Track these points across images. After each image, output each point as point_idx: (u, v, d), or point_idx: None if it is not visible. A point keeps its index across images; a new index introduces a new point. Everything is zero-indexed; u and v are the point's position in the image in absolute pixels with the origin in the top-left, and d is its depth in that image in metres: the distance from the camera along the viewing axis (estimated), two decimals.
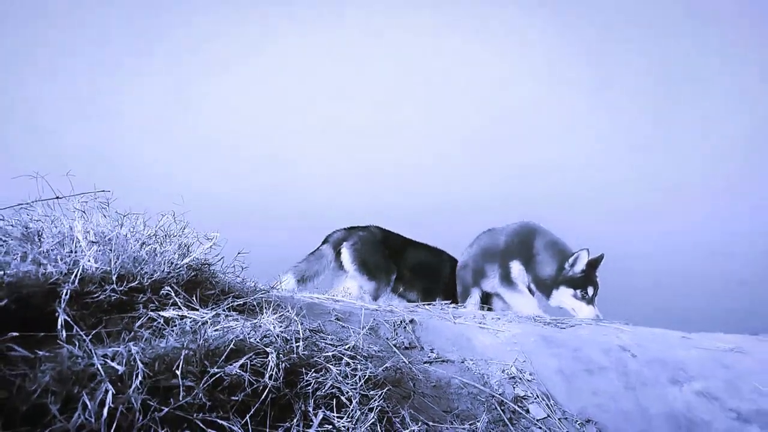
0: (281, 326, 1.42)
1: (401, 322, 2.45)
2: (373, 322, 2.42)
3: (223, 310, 1.51)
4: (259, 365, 1.32)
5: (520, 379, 2.21)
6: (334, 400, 1.39)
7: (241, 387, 1.23)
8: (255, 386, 1.26)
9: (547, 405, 2.08)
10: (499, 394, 2.04)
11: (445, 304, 3.15)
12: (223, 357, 1.23)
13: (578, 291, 3.70)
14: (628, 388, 2.33)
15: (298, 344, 1.40)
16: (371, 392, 1.41)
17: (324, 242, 4.31)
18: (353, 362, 1.47)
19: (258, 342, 1.30)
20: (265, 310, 1.61)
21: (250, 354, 1.23)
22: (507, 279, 3.89)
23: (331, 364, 1.44)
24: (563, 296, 3.77)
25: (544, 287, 3.81)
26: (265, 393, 1.24)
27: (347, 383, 1.38)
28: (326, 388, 1.37)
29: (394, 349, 2.15)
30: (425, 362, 2.14)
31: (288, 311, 1.70)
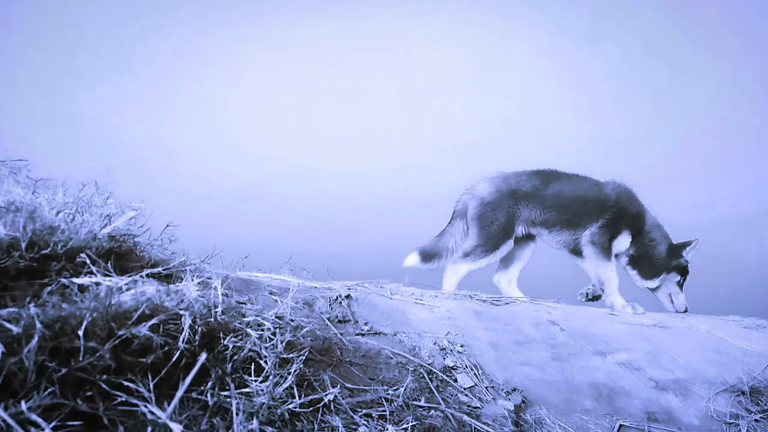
0: (200, 292, 1.40)
1: (337, 297, 2.46)
2: (309, 297, 2.42)
3: (141, 277, 1.47)
4: (173, 329, 1.30)
5: (451, 350, 2.25)
6: (253, 364, 1.38)
7: (151, 350, 1.20)
8: (167, 349, 1.24)
9: (475, 374, 2.13)
10: (429, 364, 2.07)
11: (384, 282, 3.16)
12: (133, 319, 1.20)
13: (681, 278, 3.76)
14: (555, 359, 2.41)
15: (216, 309, 1.38)
16: (290, 355, 1.40)
17: (451, 217, 3.99)
18: (273, 327, 1.46)
19: (173, 306, 1.28)
20: (186, 279, 1.58)
21: (161, 316, 1.21)
22: (606, 246, 3.73)
23: (252, 329, 1.43)
24: (670, 281, 3.77)
25: (653, 268, 3.75)
26: (176, 355, 1.22)
27: (266, 347, 1.38)
28: (244, 352, 1.36)
29: (327, 322, 2.16)
30: (357, 334, 2.16)
31: (212, 281, 1.67)
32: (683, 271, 3.75)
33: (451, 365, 2.15)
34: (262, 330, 1.45)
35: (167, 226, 2.07)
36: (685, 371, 2.55)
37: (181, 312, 1.27)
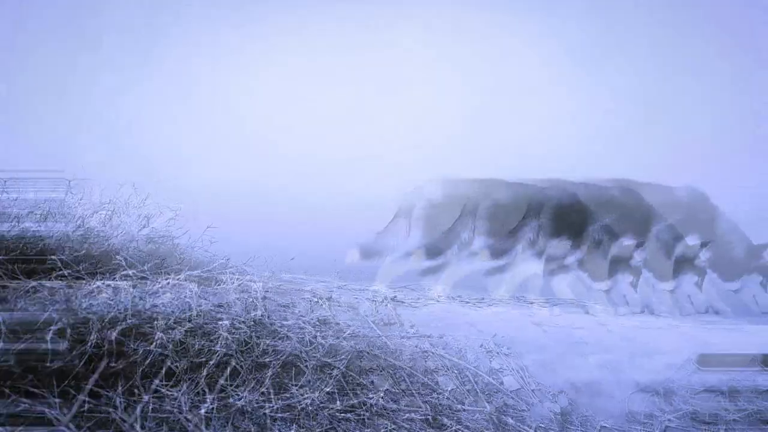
0: (239, 295, 1.41)
1: (383, 300, 2.45)
2: (353, 299, 2.42)
3: (178, 280, 1.49)
4: (210, 331, 1.31)
5: (497, 353, 2.21)
6: (293, 368, 1.38)
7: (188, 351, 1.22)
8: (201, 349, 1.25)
9: (521, 377, 2.08)
10: (474, 367, 2.03)
11: (428, 283, 3.13)
12: (170, 322, 1.22)
13: (764, 279, 3.70)
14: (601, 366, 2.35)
15: (255, 312, 1.39)
16: (329, 360, 1.40)
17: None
18: (314, 331, 1.46)
19: (212, 308, 1.29)
20: (228, 281, 1.60)
21: (201, 320, 1.22)
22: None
23: (293, 333, 1.43)
24: (752, 282, 3.69)
25: (734, 269, 3.72)
26: (216, 357, 1.23)
27: (306, 351, 1.37)
28: (285, 356, 1.36)
29: (372, 325, 2.15)
30: (402, 337, 2.14)
31: (253, 284, 1.69)
32: (765, 272, 3.62)
33: (497, 368, 2.10)
34: (303, 334, 1.45)
35: (207, 227, 2.10)
36: (667, 371, 2.46)
37: (221, 315, 1.28)
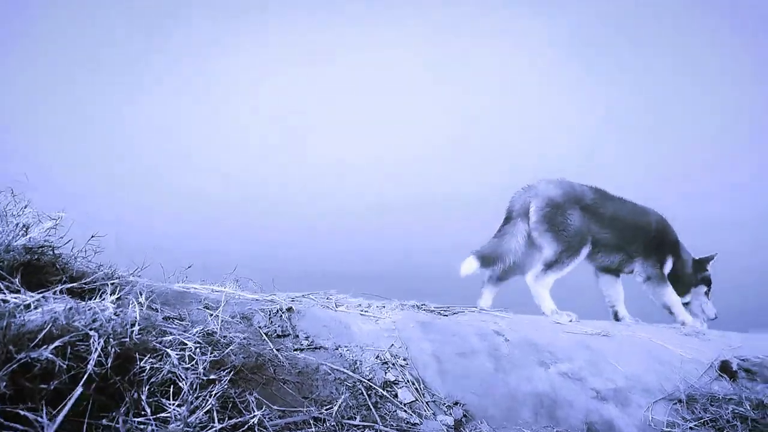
0: (116, 309, 1.31)
1: (278, 310, 2.38)
2: (248, 310, 2.34)
3: (55, 293, 1.37)
4: (83, 350, 1.21)
5: (393, 364, 2.21)
6: (173, 386, 1.30)
7: (54, 375, 1.12)
8: (74, 373, 1.15)
9: (416, 389, 2.10)
10: (368, 380, 2.03)
11: (330, 292, 3.10)
12: (36, 341, 1.11)
13: (707, 288, 4.02)
14: (499, 370, 2.41)
15: (133, 328, 1.30)
16: (212, 377, 1.33)
17: (508, 216, 3.72)
18: (195, 347, 1.39)
19: (83, 327, 1.19)
20: (105, 294, 1.49)
21: (66, 337, 1.12)
22: (660, 274, 3.93)
23: (172, 349, 1.35)
24: (700, 293, 4.02)
25: (684, 285, 3.99)
26: (83, 380, 1.13)
27: (186, 368, 1.30)
28: (163, 374, 1.29)
29: (264, 336, 2.09)
30: (296, 349, 2.09)
31: (136, 295, 1.58)
32: (708, 282, 4.03)
33: (392, 380, 2.10)
34: (184, 350, 1.38)
35: (92, 236, 1.97)
36: (625, 380, 2.59)
37: (90, 333, 1.18)
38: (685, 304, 4.01)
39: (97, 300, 1.41)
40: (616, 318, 3.98)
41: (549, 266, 3.52)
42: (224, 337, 1.70)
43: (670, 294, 3.88)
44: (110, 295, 1.50)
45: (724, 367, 2.90)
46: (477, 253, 3.54)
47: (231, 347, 1.54)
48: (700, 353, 3.08)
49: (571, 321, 3.43)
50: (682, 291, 3.98)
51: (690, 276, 4.02)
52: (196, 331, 1.50)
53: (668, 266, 3.94)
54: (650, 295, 3.93)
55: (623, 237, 3.78)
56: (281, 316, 2.34)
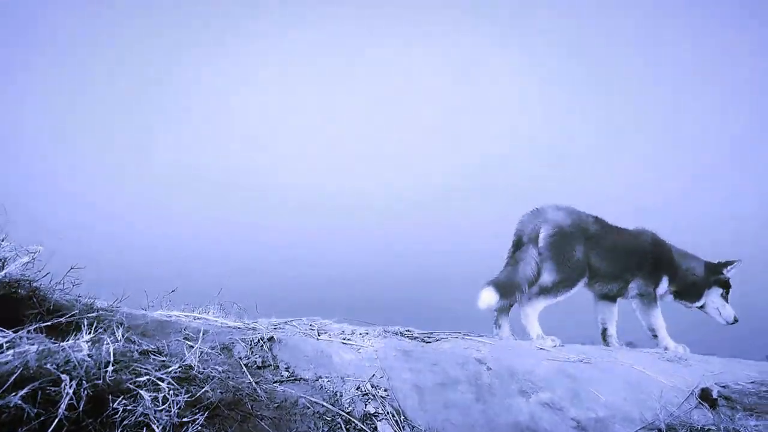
0: (90, 350, 1.31)
1: (259, 340, 2.38)
2: (228, 340, 2.33)
3: (29, 332, 1.37)
4: (55, 394, 1.21)
5: (374, 396, 2.21)
6: (145, 429, 1.30)
7: (22, 421, 1.11)
8: (44, 418, 1.15)
9: (396, 421, 2.10)
10: (348, 413, 2.02)
11: (314, 319, 3.09)
12: (5, 387, 1.11)
13: (724, 291, 4.01)
14: (479, 400, 2.41)
15: (106, 369, 1.30)
16: (186, 419, 1.33)
17: (518, 240, 3.74)
18: (168, 388, 1.39)
19: (55, 369, 1.19)
20: (83, 330, 1.49)
21: (37, 382, 1.12)
22: (653, 296, 3.98)
23: (146, 390, 1.35)
24: (714, 295, 4.02)
25: (695, 291, 4.03)
26: (53, 425, 1.13)
27: (160, 410, 1.30)
28: (136, 416, 1.28)
29: (243, 369, 2.08)
30: (276, 381, 2.09)
31: (113, 330, 1.58)
32: (724, 285, 4.03)
33: (372, 412, 2.10)
34: (158, 390, 1.37)
35: (71, 268, 1.96)
36: (605, 409, 2.60)
37: (62, 377, 1.18)
38: (700, 308, 4.08)
39: (72, 339, 1.40)
40: (604, 336, 4.01)
41: (543, 292, 3.54)
42: (202, 372, 1.69)
43: (657, 317, 3.91)
44: (88, 329, 1.50)
45: (705, 396, 2.91)
46: (494, 283, 3.53)
47: (207, 387, 1.53)
48: (680, 380, 3.10)
49: (555, 346, 3.44)
50: (693, 297, 4.05)
51: (700, 280, 4.03)
52: (172, 370, 1.50)
53: (663, 285, 3.98)
54: (638, 313, 3.97)
55: (621, 266, 3.83)
56: (262, 346, 2.34)
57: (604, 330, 4.02)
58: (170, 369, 1.49)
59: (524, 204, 3.83)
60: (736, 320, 4.02)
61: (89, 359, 1.28)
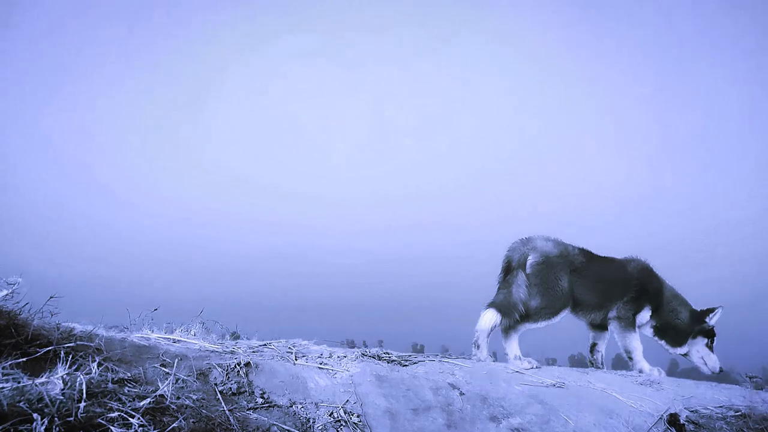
0: (63, 389, 1.36)
1: (236, 365, 2.43)
2: (205, 365, 2.38)
3: (4, 367, 1.42)
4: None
5: (346, 422, 2.27)
6: None
7: None
8: None
9: None
10: None
11: (293, 341, 3.14)
12: None
13: (708, 341, 4.05)
14: (450, 426, 2.47)
15: (79, 404, 1.35)
16: None
17: (507, 266, 3.86)
18: (140, 423, 1.44)
19: (27, 407, 1.24)
20: (59, 362, 1.54)
21: (7, 424, 1.17)
22: (631, 320, 4.02)
23: (117, 425, 1.40)
24: (699, 345, 4.06)
25: (679, 336, 4.07)
26: None
27: None
28: None
29: (218, 395, 2.13)
30: (249, 408, 2.14)
31: (90, 361, 1.63)
32: (708, 335, 4.07)
33: None
34: (129, 426, 1.43)
35: (51, 297, 2.02)
36: None
37: (35, 416, 1.23)
38: (684, 355, 4.15)
39: (47, 374, 1.45)
40: (593, 350, 4.11)
41: (527, 316, 3.64)
42: (175, 402, 1.74)
43: (633, 340, 3.99)
44: (65, 359, 1.55)
45: (672, 421, 2.99)
46: (495, 304, 3.65)
47: (179, 419, 1.58)
48: (651, 404, 3.18)
49: (531, 368, 3.52)
50: (675, 342, 4.11)
51: (685, 326, 4.08)
52: (143, 405, 1.55)
53: (645, 315, 4.04)
54: (615, 335, 4.06)
55: (604, 296, 3.93)
56: (238, 371, 2.39)
57: (594, 345, 4.12)
58: (142, 404, 1.54)
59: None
60: (721, 370, 4.09)
61: (62, 396, 1.33)
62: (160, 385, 1.96)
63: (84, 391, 1.41)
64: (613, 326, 4.05)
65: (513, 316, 3.61)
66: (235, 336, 3.86)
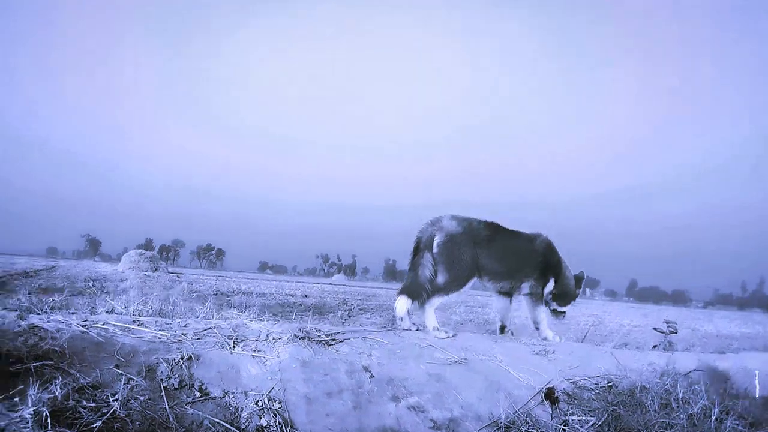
0: (34, 413, 1.84)
1: (180, 359, 2.93)
2: (153, 360, 2.88)
3: None
4: None
5: (269, 409, 2.83)
6: None
7: None
8: None
9: None
10: (243, 429, 2.64)
11: (237, 325, 3.63)
12: None
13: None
14: (357, 407, 3.06)
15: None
16: None
17: (416, 247, 4.37)
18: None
19: None
20: (31, 385, 2.00)
21: None
22: (540, 294, 4.73)
23: None
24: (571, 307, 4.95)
25: (568, 298, 4.86)
26: None
27: None
28: None
29: (162, 393, 2.65)
30: (188, 403, 2.67)
31: (55, 384, 2.10)
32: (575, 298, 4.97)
33: (264, 425, 2.72)
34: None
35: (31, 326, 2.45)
36: (461, 410, 3.29)
37: None
38: (562, 312, 4.90)
39: (19, 408, 1.92)
40: (503, 331, 4.78)
41: (437, 291, 4.25)
42: (125, 410, 2.25)
43: (541, 312, 4.70)
44: (36, 378, 2.02)
45: (549, 394, 3.65)
46: (404, 290, 4.28)
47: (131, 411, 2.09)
48: (537, 377, 3.83)
49: (447, 337, 4.16)
50: (566, 302, 4.88)
51: (573, 290, 4.87)
52: (98, 423, 2.04)
53: (550, 286, 4.75)
54: (526, 308, 4.74)
55: (511, 266, 4.53)
56: (182, 365, 2.90)
57: (503, 327, 4.79)
58: (96, 424, 2.04)
59: None
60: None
61: (28, 427, 1.81)
62: (115, 388, 2.48)
63: (49, 418, 1.89)
64: (525, 301, 4.72)
65: (422, 296, 4.22)
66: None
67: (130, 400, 2.45)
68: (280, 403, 2.90)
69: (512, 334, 4.84)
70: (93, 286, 13.68)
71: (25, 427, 1.81)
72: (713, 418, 3.31)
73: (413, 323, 4.43)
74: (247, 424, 2.69)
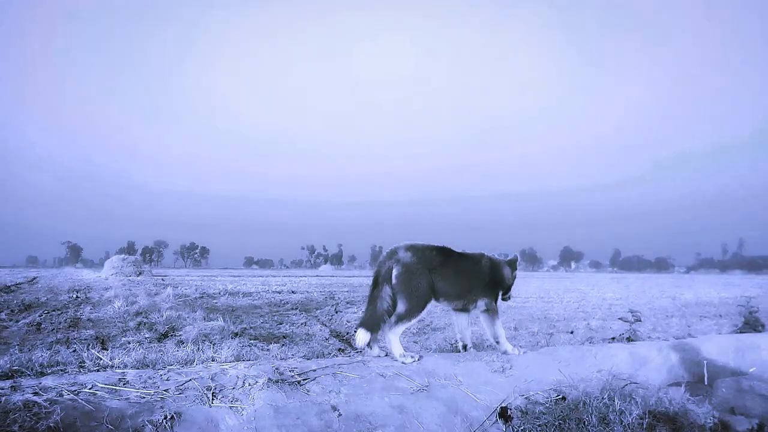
0: None
1: (163, 419, 3.26)
2: (140, 424, 3.20)
3: None
4: None
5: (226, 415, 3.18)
6: None
7: None
8: None
9: None
10: None
11: (213, 371, 3.97)
12: None
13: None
14: None
15: None
16: None
17: (375, 279, 4.71)
18: None
19: None
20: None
21: None
22: (495, 309, 5.17)
23: None
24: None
25: (509, 289, 5.36)
26: None
27: None
28: None
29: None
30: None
31: None
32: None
33: None
34: None
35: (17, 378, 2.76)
36: None
37: None
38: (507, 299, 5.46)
39: None
40: (465, 349, 5.20)
41: (400, 319, 4.64)
42: None
43: (498, 327, 5.12)
44: None
45: (503, 413, 4.05)
46: (363, 324, 4.70)
47: None
48: (493, 396, 4.23)
49: (414, 361, 4.55)
50: (509, 291, 5.40)
51: (513, 278, 5.40)
52: None
53: (499, 296, 5.18)
54: (484, 325, 5.16)
55: (464, 287, 4.92)
56: (165, 425, 3.23)
57: (465, 345, 5.21)
58: None
59: None
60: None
61: None
62: None
63: None
64: (483, 318, 5.12)
65: (381, 328, 4.66)
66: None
67: None
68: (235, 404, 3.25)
69: (473, 348, 5.25)
70: (77, 298, 13.89)
71: None
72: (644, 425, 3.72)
73: (381, 347, 4.82)
74: None
